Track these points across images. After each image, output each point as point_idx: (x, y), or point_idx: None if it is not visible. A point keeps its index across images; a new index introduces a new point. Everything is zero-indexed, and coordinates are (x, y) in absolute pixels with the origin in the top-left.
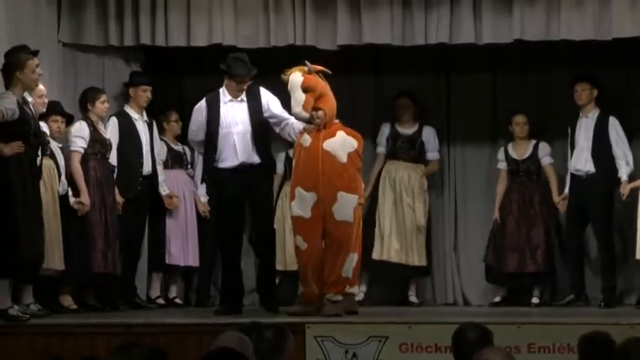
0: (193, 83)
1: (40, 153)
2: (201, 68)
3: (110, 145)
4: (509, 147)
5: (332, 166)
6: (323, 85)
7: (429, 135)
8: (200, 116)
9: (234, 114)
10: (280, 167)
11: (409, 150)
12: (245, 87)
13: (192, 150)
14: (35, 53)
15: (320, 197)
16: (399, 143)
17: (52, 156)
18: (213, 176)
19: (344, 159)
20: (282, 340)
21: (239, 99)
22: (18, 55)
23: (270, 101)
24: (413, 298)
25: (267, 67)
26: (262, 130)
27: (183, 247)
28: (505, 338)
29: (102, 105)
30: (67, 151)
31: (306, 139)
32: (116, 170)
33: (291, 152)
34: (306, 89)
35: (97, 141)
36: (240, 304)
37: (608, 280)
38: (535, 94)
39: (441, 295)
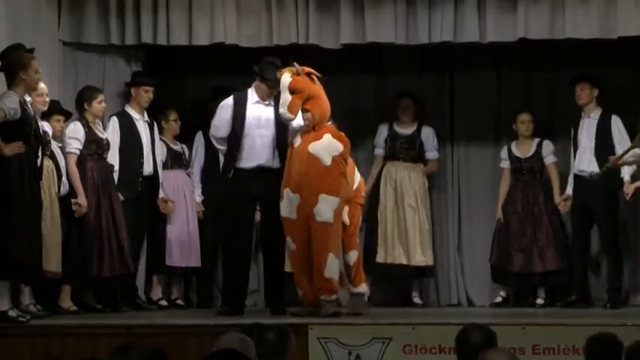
0: (195, 83)
1: (40, 154)
2: (203, 67)
3: (108, 145)
4: (513, 145)
5: (316, 169)
6: (312, 87)
7: (428, 134)
8: (225, 113)
9: (259, 116)
10: None
11: (409, 150)
12: (275, 92)
13: (189, 149)
14: (31, 51)
15: (303, 199)
16: (399, 144)
17: (52, 156)
18: (230, 175)
19: (328, 162)
20: (285, 342)
21: (266, 102)
22: (21, 55)
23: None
24: (417, 299)
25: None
26: (285, 135)
27: (184, 248)
28: (509, 339)
29: (99, 105)
30: (62, 153)
31: (297, 141)
32: (117, 170)
33: None
34: (292, 91)
35: (93, 141)
36: (243, 305)
37: (613, 281)
38: (539, 93)
39: (445, 295)
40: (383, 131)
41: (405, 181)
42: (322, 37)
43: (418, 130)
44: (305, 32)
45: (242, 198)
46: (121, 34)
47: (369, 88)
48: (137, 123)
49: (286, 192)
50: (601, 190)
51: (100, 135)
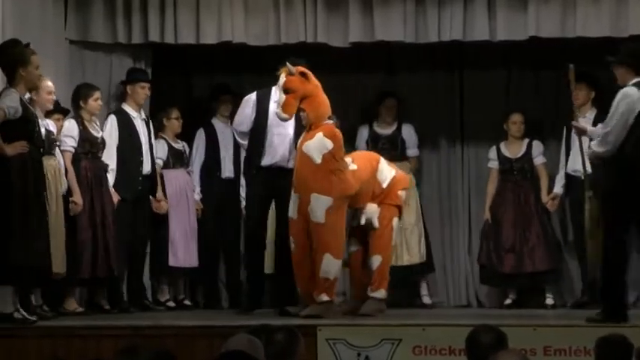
0: (202, 82)
1: (42, 152)
2: (210, 66)
3: (103, 143)
4: (502, 146)
5: (308, 168)
6: (306, 87)
7: (410, 132)
8: (248, 108)
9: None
10: None
11: (391, 150)
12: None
13: (190, 147)
14: (28, 46)
15: (301, 199)
16: (380, 144)
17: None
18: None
19: (318, 160)
20: (293, 343)
21: None
22: (21, 51)
23: None
24: (426, 299)
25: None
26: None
27: (187, 248)
28: (521, 340)
29: (95, 102)
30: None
31: (299, 141)
32: (115, 170)
33: None
34: (286, 90)
35: (87, 140)
36: (260, 302)
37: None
38: (549, 92)
39: (454, 296)
40: (363, 133)
41: None
42: (331, 35)
43: (399, 129)
44: (313, 31)
45: (257, 196)
46: (127, 33)
47: (378, 87)
48: (135, 121)
49: (292, 192)
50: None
51: (95, 134)
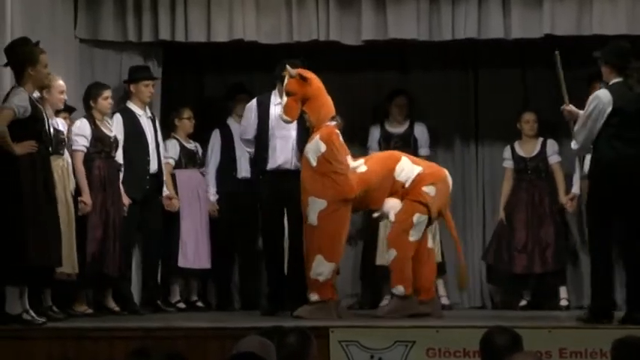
0: (214, 80)
1: (51, 151)
2: (221, 65)
3: (116, 142)
4: (516, 145)
5: (306, 170)
6: (307, 89)
7: (422, 131)
8: (250, 115)
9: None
10: None
11: (404, 148)
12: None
13: (203, 148)
14: (37, 44)
15: (303, 201)
16: (393, 143)
17: None
18: (260, 177)
19: (314, 163)
20: (306, 345)
21: None
22: (29, 50)
23: None
24: (444, 300)
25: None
26: (307, 136)
27: (197, 249)
28: (536, 342)
29: (104, 101)
30: (69, 150)
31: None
32: (122, 169)
33: None
34: (287, 93)
35: (99, 139)
36: (284, 304)
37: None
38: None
39: (469, 298)
40: (375, 132)
41: None
42: (343, 33)
43: (411, 128)
44: (325, 28)
45: (268, 200)
46: (138, 31)
47: (391, 85)
48: (140, 119)
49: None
50: None
51: (108, 133)
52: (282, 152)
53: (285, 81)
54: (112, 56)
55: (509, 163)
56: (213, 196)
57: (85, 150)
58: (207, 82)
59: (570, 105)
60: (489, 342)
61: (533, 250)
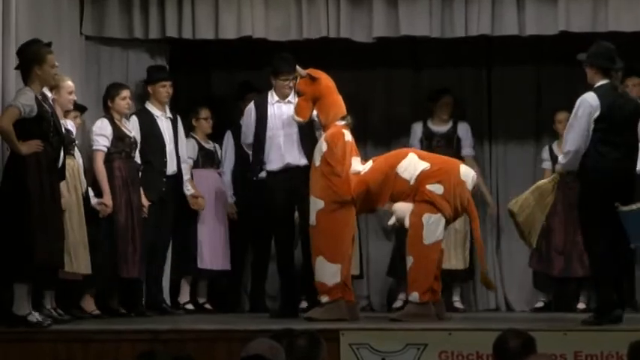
0: (222, 78)
1: (62, 152)
2: (230, 62)
3: (135, 143)
4: (554, 145)
5: (312, 170)
6: (315, 89)
7: (466, 131)
8: (249, 118)
9: (281, 115)
10: None
11: (446, 149)
12: (291, 85)
13: (221, 148)
14: (49, 45)
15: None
16: (435, 142)
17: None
18: (257, 178)
19: (317, 163)
20: (316, 348)
21: (286, 100)
22: (37, 50)
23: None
24: (458, 304)
25: (298, 61)
26: (309, 131)
27: (213, 250)
28: (551, 345)
29: (122, 101)
30: (89, 151)
31: None
32: (142, 170)
33: None
34: (298, 93)
35: (120, 139)
36: (296, 307)
37: None
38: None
39: (482, 300)
40: (417, 130)
41: None
42: (354, 30)
43: (454, 127)
44: (336, 25)
45: (276, 201)
46: (144, 28)
47: (403, 83)
48: (158, 120)
49: None
50: None
51: (128, 133)
52: (288, 150)
53: (297, 82)
54: (118, 53)
55: (547, 164)
56: (230, 198)
57: (105, 150)
58: (215, 80)
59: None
60: (503, 345)
61: (571, 253)
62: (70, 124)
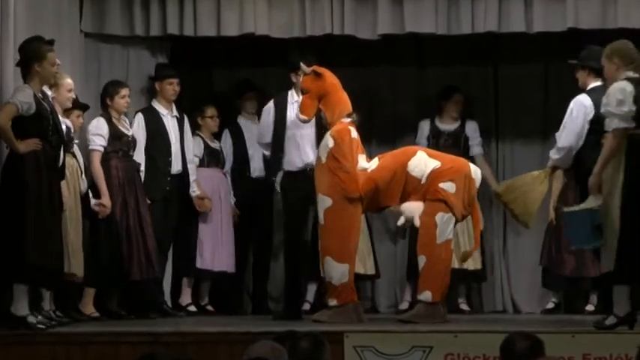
0: (224, 76)
1: (62, 151)
2: (232, 60)
3: (133, 142)
4: None
5: (318, 167)
6: (320, 86)
7: (474, 129)
8: (267, 118)
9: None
10: None
11: (454, 147)
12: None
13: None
14: (51, 42)
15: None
16: (442, 141)
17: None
18: (274, 179)
19: (324, 159)
20: (319, 350)
21: None
22: (37, 47)
23: None
24: (464, 306)
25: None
26: (326, 131)
27: (216, 250)
28: (558, 348)
29: (122, 100)
30: (86, 150)
31: None
32: (143, 170)
33: None
34: (302, 91)
35: (117, 138)
36: (300, 309)
37: None
38: None
39: (489, 301)
40: (424, 128)
41: None
42: (358, 27)
43: (462, 126)
44: (340, 22)
45: (293, 201)
46: (145, 25)
47: (408, 81)
48: (164, 119)
49: None
50: None
51: (125, 132)
52: (307, 150)
53: (300, 79)
54: (118, 51)
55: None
56: (232, 199)
57: (102, 149)
58: (217, 79)
59: None
60: (510, 347)
61: (583, 252)
62: (68, 123)
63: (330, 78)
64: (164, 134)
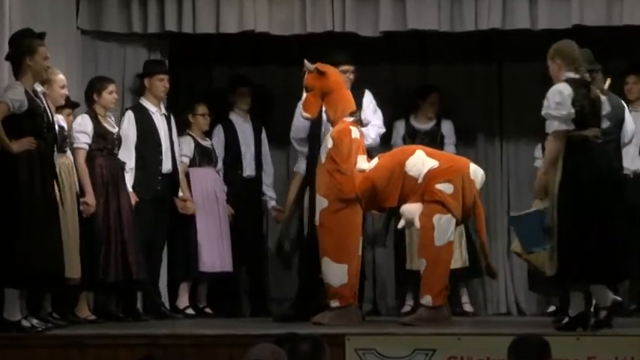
0: (223, 74)
1: (56, 149)
2: (231, 58)
3: (119, 140)
4: None
5: (318, 167)
6: (324, 83)
7: (450, 128)
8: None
9: None
10: None
11: (430, 145)
12: (351, 77)
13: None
14: (42, 36)
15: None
16: (419, 140)
17: None
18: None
19: (323, 159)
20: (319, 353)
21: None
22: (28, 41)
23: (365, 105)
24: (467, 307)
25: (302, 57)
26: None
27: (214, 251)
28: (563, 351)
29: (109, 96)
30: (70, 148)
31: None
32: (134, 168)
33: None
34: (305, 88)
35: (101, 136)
36: (308, 311)
37: None
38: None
39: (493, 303)
40: (399, 128)
41: None
42: (360, 24)
43: (438, 125)
44: (341, 19)
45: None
46: (143, 22)
47: (410, 78)
48: (154, 116)
49: None
50: None
51: (111, 129)
52: None
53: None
54: (115, 49)
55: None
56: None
57: (87, 147)
58: (216, 76)
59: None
60: (517, 350)
61: None
62: (62, 121)
63: (334, 75)
64: (154, 133)
